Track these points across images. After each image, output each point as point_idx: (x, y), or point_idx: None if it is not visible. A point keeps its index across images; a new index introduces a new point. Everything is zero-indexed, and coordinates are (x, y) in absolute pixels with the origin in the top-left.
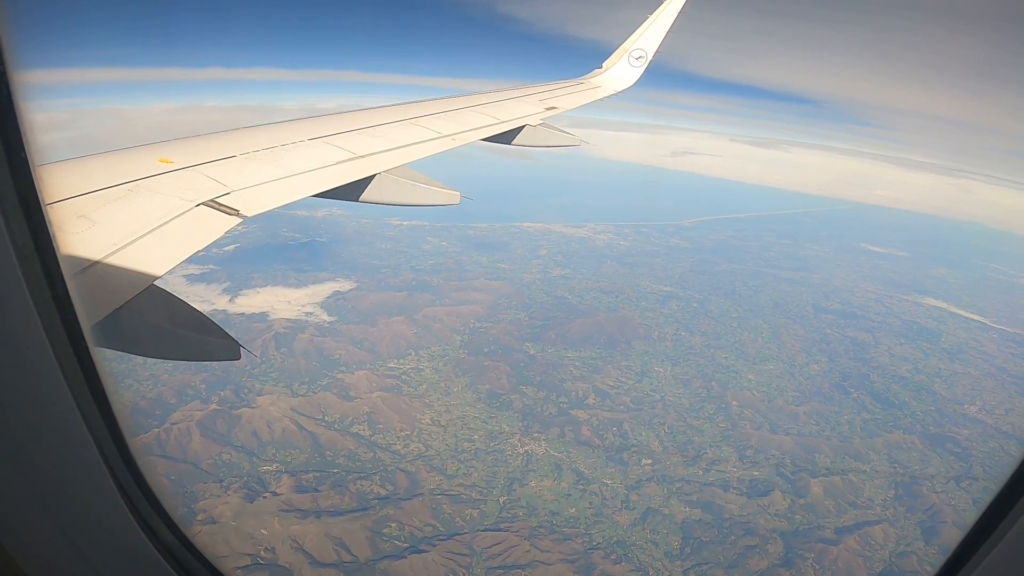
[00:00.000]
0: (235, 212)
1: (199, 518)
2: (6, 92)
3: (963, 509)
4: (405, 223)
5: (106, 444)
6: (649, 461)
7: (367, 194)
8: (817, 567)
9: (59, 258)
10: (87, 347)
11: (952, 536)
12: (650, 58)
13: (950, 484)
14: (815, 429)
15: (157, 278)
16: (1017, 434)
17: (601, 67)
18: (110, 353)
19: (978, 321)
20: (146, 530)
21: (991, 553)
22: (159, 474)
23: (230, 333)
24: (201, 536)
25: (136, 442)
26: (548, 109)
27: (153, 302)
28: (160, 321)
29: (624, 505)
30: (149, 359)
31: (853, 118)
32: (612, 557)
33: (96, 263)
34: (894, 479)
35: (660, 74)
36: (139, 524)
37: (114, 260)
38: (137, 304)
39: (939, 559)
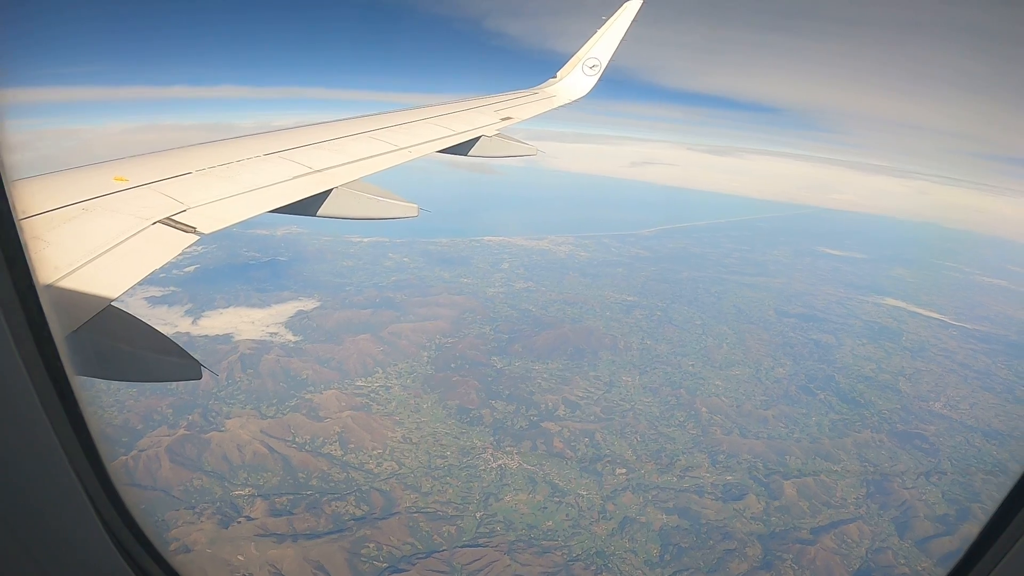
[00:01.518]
0: (192, 229)
1: (173, 547)
2: None
3: (934, 503)
4: (366, 240)
5: (83, 468)
6: (623, 470)
7: (325, 208)
8: (796, 568)
9: (33, 278)
10: (63, 368)
11: (924, 529)
12: (604, 67)
13: (920, 480)
14: (784, 432)
15: (115, 299)
16: (981, 427)
17: (556, 76)
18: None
19: (938, 319)
20: (126, 557)
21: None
22: (138, 500)
23: (194, 356)
24: (180, 561)
25: (115, 466)
26: (504, 119)
27: (111, 323)
28: (119, 342)
29: (601, 515)
30: (112, 383)
31: (810, 124)
32: (592, 568)
33: (51, 286)
34: (865, 477)
35: (616, 84)
36: (119, 550)
37: (69, 282)
38: (95, 325)
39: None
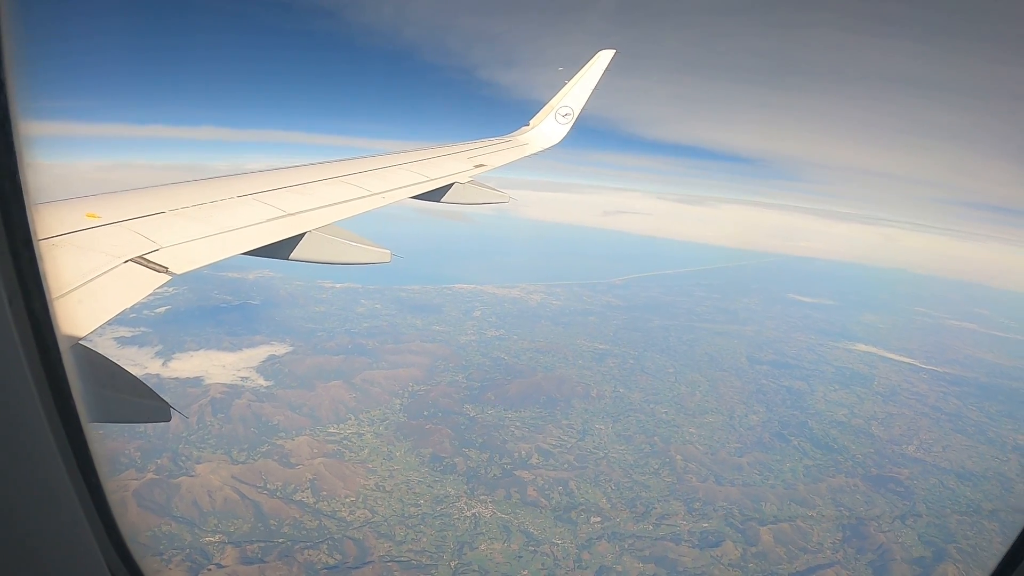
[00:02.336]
0: (164, 269)
1: None
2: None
3: (910, 546)
4: (338, 286)
5: (81, 492)
6: (598, 519)
7: (298, 252)
8: None
9: (48, 297)
10: (70, 391)
11: (902, 572)
12: (576, 115)
13: (896, 523)
14: (759, 478)
15: (83, 337)
16: (955, 469)
17: (528, 124)
18: None
19: (908, 363)
20: None
21: None
22: (138, 531)
23: (165, 398)
24: None
25: (112, 485)
26: (477, 167)
27: (78, 362)
28: (86, 382)
29: (577, 565)
30: None
31: (779, 173)
32: None
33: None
34: (841, 522)
35: (589, 133)
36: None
37: None
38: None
39: None
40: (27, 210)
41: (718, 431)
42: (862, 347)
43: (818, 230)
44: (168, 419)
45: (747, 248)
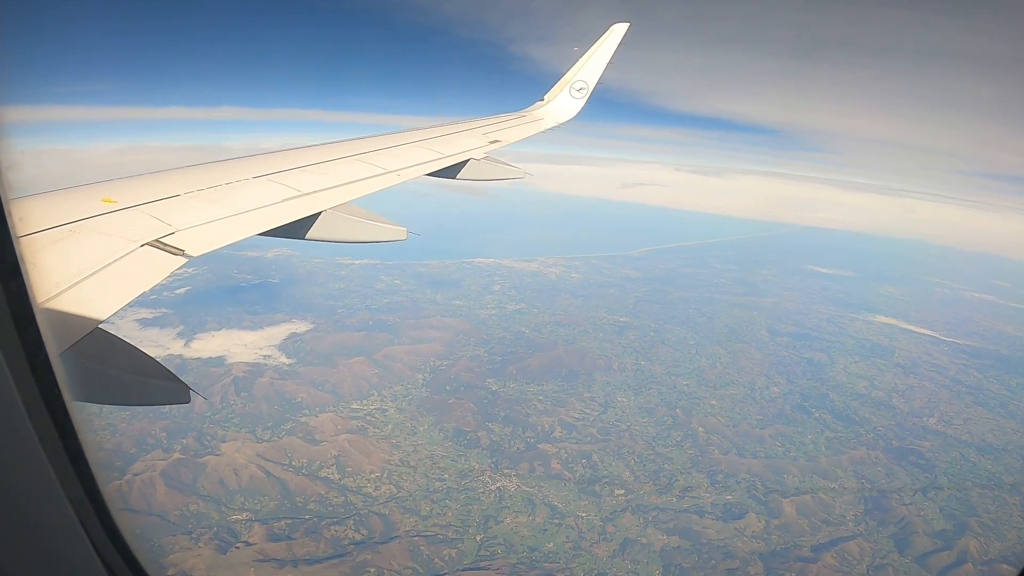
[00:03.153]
0: (180, 252)
1: (171, 573)
2: None
3: (932, 519)
4: (357, 262)
5: (76, 494)
6: (622, 491)
7: (313, 231)
8: None
9: (31, 296)
10: (58, 390)
11: (924, 545)
12: (591, 89)
13: (917, 496)
14: (781, 450)
15: (102, 321)
16: (976, 442)
17: (543, 99)
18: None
19: (928, 335)
20: None
21: None
22: (132, 526)
23: (188, 378)
24: None
25: (110, 491)
26: (492, 143)
27: (99, 346)
28: (107, 366)
29: (601, 537)
30: (103, 406)
31: (797, 144)
32: None
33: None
34: (862, 494)
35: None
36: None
37: (56, 304)
38: (81, 348)
39: None
40: (4, 207)
41: (739, 403)
42: (882, 319)
43: (836, 201)
44: (187, 400)
45: (765, 219)
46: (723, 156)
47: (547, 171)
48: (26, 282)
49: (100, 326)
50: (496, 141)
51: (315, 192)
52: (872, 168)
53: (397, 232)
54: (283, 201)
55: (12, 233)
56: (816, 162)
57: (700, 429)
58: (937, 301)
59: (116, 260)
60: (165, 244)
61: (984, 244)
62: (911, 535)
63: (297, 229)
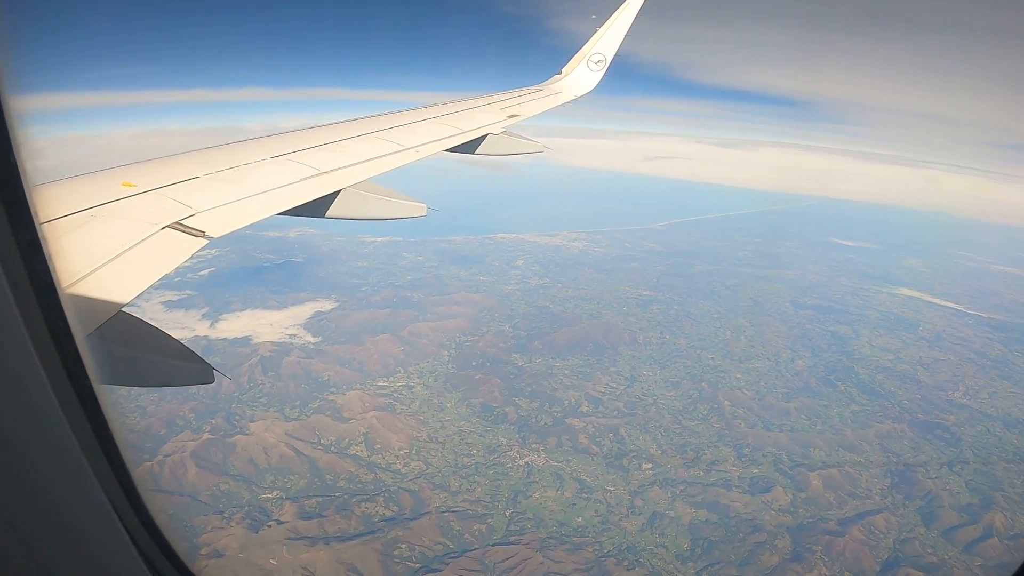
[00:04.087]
0: (201, 233)
1: (203, 552)
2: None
3: (958, 492)
4: (379, 239)
5: (105, 475)
6: (649, 465)
7: (333, 210)
8: (826, 559)
9: (56, 282)
10: (85, 374)
11: (950, 519)
12: (609, 62)
13: (943, 470)
14: (807, 424)
15: (125, 304)
16: (1002, 416)
17: (561, 73)
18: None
19: (953, 308)
20: (149, 567)
21: None
22: (162, 507)
23: (214, 359)
24: (208, 571)
25: (139, 472)
26: (510, 117)
27: (123, 329)
28: (131, 348)
29: (630, 511)
30: (131, 389)
31: (818, 115)
32: (625, 563)
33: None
34: (888, 468)
35: (623, 78)
36: (143, 559)
37: (79, 289)
38: (105, 331)
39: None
40: (26, 192)
41: (765, 376)
42: (906, 291)
43: (858, 173)
44: (212, 380)
45: (787, 191)
46: (744, 128)
47: (567, 145)
48: (51, 268)
49: (123, 309)
50: (514, 116)
51: (334, 170)
52: (895, 139)
53: (417, 208)
54: (302, 180)
55: (35, 220)
56: (838, 133)
57: (726, 402)
58: (961, 274)
59: (137, 244)
60: (186, 226)
61: (1009, 216)
62: (937, 509)
63: (317, 208)
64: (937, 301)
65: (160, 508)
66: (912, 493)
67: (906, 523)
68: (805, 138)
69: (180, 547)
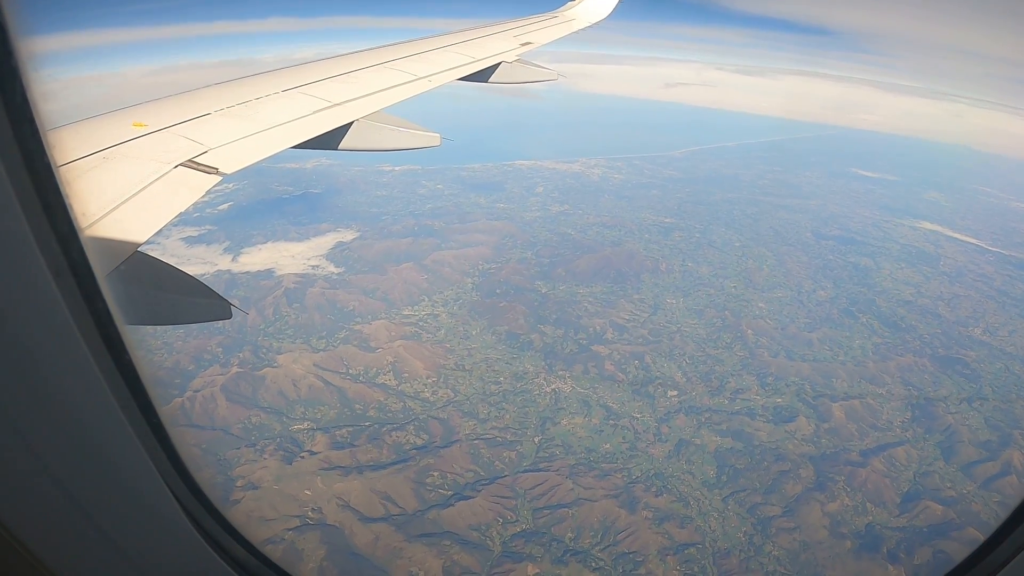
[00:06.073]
0: (214, 170)
1: (239, 484)
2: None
3: (977, 428)
4: (397, 168)
5: (133, 414)
6: (675, 393)
7: (346, 142)
8: (848, 489)
9: (79, 233)
10: (112, 320)
11: (969, 454)
12: None
13: (963, 405)
14: (829, 355)
15: (140, 244)
16: (1021, 355)
17: None
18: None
19: (974, 244)
20: (185, 512)
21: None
22: (191, 448)
23: (238, 292)
24: (237, 513)
25: (167, 411)
26: (523, 45)
27: (139, 269)
28: (149, 287)
29: (657, 438)
30: (159, 327)
31: (840, 44)
32: (653, 490)
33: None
34: (910, 401)
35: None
36: (179, 504)
37: (96, 230)
38: (124, 272)
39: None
40: (41, 136)
41: (787, 306)
42: (927, 225)
43: (880, 103)
44: (229, 316)
45: (808, 121)
46: (766, 56)
47: (585, 71)
48: (70, 210)
49: (140, 249)
50: (528, 43)
51: (346, 102)
52: (919, 71)
53: (430, 138)
54: (314, 113)
55: (52, 163)
56: (861, 63)
57: (749, 331)
58: (983, 209)
59: (150, 183)
60: (198, 164)
61: None
62: (957, 444)
63: (329, 140)
64: (958, 236)
65: (186, 445)
66: (932, 427)
67: (926, 456)
68: (827, 67)
69: (207, 486)
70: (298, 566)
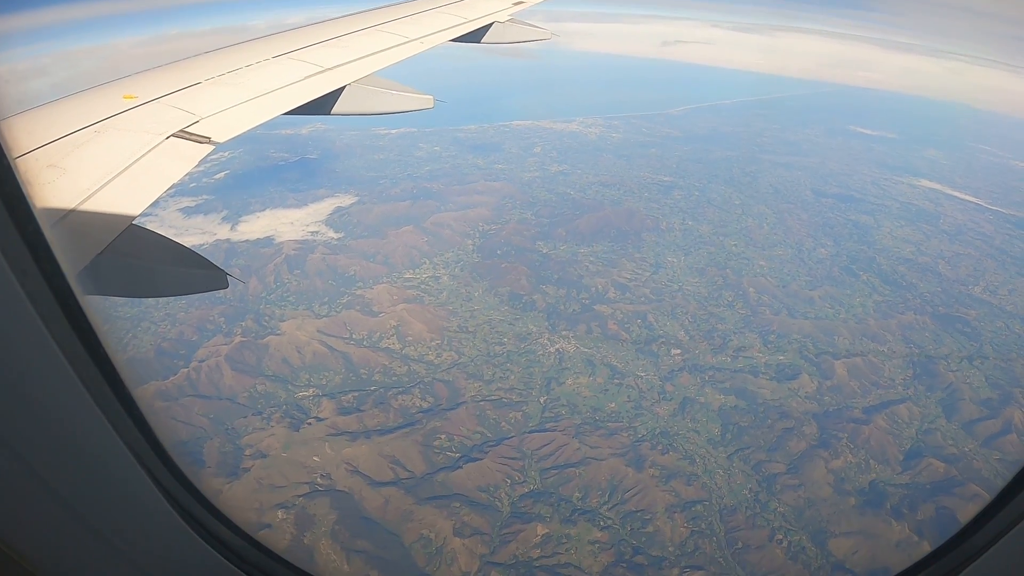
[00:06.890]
0: (207, 140)
1: (247, 453)
2: None
3: (978, 387)
4: (394, 131)
5: (109, 403)
6: (678, 351)
7: (339, 106)
8: (852, 447)
9: (35, 214)
10: (75, 297)
11: (970, 412)
12: None
13: (963, 363)
14: (831, 312)
15: (135, 217)
16: (1021, 313)
17: None
18: (103, 300)
19: (974, 203)
20: (169, 499)
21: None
22: (169, 427)
23: (239, 261)
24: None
25: (147, 402)
26: (516, 3)
27: (135, 242)
28: (145, 260)
29: (661, 396)
30: (159, 299)
31: (841, 1)
32: (659, 448)
33: (71, 211)
34: (911, 359)
35: None
36: (162, 491)
37: (89, 205)
38: (119, 246)
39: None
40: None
41: (788, 264)
42: (926, 183)
43: (878, 60)
44: (226, 286)
45: (805, 78)
46: (764, 12)
47: (581, 30)
48: (29, 201)
49: (135, 222)
50: (520, 2)
51: (337, 66)
52: (917, 28)
53: (424, 101)
54: (305, 79)
55: (7, 158)
56: (857, 19)
57: (751, 289)
58: (982, 168)
59: (143, 156)
60: (190, 134)
61: None
62: (958, 401)
63: (322, 105)
64: (958, 194)
65: (172, 436)
66: (934, 384)
67: (928, 414)
68: (826, 24)
69: (192, 473)
70: (287, 546)
